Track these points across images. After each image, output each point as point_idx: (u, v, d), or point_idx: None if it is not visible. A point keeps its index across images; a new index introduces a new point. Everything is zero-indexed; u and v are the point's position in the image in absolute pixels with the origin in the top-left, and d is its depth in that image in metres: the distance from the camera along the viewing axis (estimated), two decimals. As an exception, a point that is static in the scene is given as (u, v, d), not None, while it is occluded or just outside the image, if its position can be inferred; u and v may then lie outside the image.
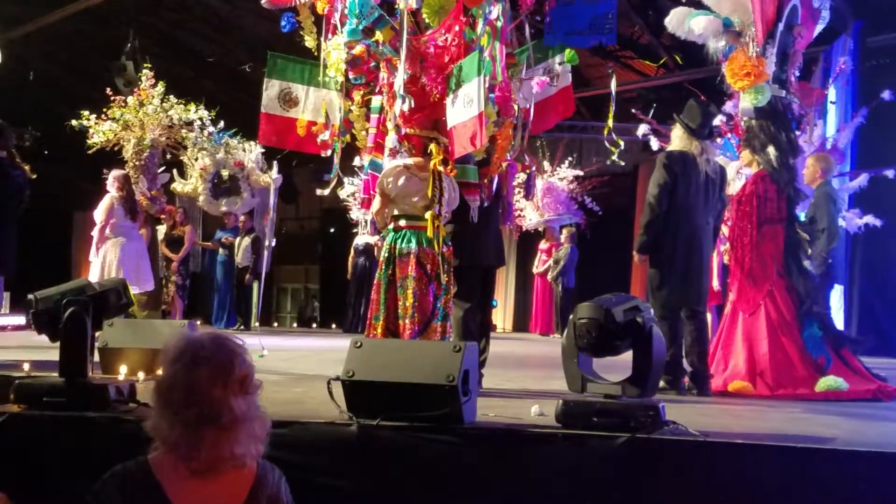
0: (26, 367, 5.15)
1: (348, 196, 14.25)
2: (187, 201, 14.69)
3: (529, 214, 15.55)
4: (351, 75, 5.75)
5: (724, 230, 7.72)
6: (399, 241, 5.45)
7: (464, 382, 3.85)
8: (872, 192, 9.46)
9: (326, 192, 6.45)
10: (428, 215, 5.37)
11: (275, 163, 13.98)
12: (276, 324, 21.12)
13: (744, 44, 6.74)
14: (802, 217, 7.67)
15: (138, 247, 9.64)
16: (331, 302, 20.05)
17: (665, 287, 6.14)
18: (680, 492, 3.58)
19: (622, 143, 6.53)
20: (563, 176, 15.66)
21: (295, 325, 22.15)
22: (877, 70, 11.04)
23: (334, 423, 3.86)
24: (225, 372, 2.36)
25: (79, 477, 3.10)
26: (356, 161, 6.33)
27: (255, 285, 14.26)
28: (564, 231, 15.34)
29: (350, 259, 14.77)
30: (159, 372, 2.44)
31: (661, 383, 5.77)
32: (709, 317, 8.51)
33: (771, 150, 6.62)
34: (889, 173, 9.22)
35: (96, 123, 11.83)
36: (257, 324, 14.82)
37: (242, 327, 13.98)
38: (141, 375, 5.15)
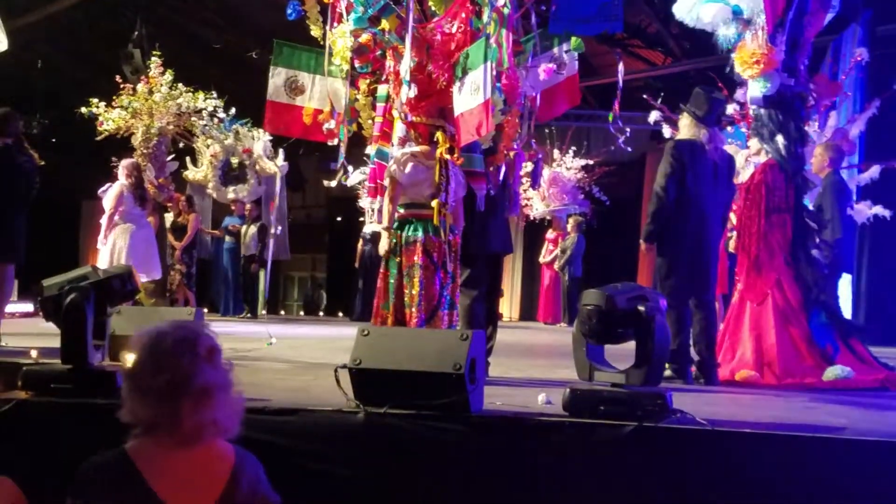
0: (34, 353, 5.17)
1: (358, 184, 14.26)
2: (196, 189, 14.72)
3: (536, 204, 15.51)
4: (357, 64, 5.73)
5: (732, 218, 7.69)
6: (405, 229, 5.45)
7: (471, 371, 3.86)
8: (883, 183, 9.41)
9: (334, 182, 6.44)
10: (434, 204, 5.36)
11: (280, 150, 13.99)
12: (282, 312, 21.16)
13: (753, 32, 6.71)
14: (810, 206, 7.64)
15: (147, 234, 9.65)
16: (338, 290, 20.08)
17: (672, 276, 6.12)
18: (686, 480, 3.58)
19: (628, 130, 6.50)
20: (570, 165, 15.62)
21: (302, 313, 22.19)
22: (886, 60, 10.92)
23: (341, 411, 3.87)
24: (189, 341, 2.38)
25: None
26: (368, 150, 6.32)
27: (262, 273, 14.29)
28: (571, 220, 15.31)
29: (358, 247, 14.77)
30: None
31: (668, 372, 5.76)
32: (717, 306, 8.51)
33: (779, 138, 6.59)
34: None
35: (105, 111, 11.83)
36: (264, 312, 14.86)
37: (249, 315, 14.01)
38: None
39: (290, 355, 7.29)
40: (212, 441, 2.41)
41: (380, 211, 5.67)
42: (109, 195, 9.46)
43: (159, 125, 12.05)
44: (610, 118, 6.46)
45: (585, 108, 15.25)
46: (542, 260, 16.00)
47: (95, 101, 11.83)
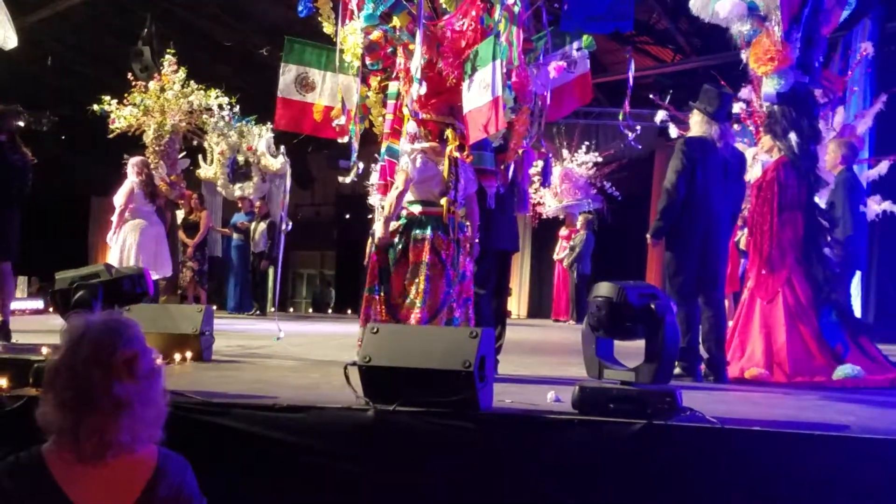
0: (45, 350, 5.18)
1: (370, 183, 14.25)
2: (207, 186, 14.75)
3: (548, 200, 15.52)
4: (368, 61, 5.73)
5: (743, 215, 7.67)
6: (414, 227, 5.44)
7: (480, 368, 3.85)
8: (891, 179, 9.37)
9: (348, 179, 6.44)
10: (443, 201, 5.36)
11: (282, 147, 14.00)
12: (291, 309, 21.19)
13: (768, 28, 6.67)
14: (822, 204, 7.61)
15: (157, 232, 9.68)
16: (347, 288, 20.09)
17: (681, 273, 6.11)
18: (696, 478, 3.57)
19: (638, 128, 6.49)
20: (581, 161, 15.61)
21: (310, 310, 22.22)
22: (894, 56, 10.91)
23: (351, 409, 3.87)
24: (106, 353, 2.24)
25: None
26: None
27: (271, 270, 14.29)
28: (581, 218, 15.31)
29: (367, 244, 14.77)
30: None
31: (678, 370, 5.75)
32: (726, 303, 8.49)
33: (792, 136, 6.56)
34: None
35: (117, 109, 11.85)
36: (273, 309, 14.88)
37: (258, 312, 14.03)
38: (158, 360, 5.16)
39: (299, 352, 7.30)
40: (118, 460, 2.27)
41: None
42: (120, 192, 9.49)
43: (172, 123, 12.06)
44: (621, 117, 6.44)
45: (594, 105, 15.24)
46: (556, 257, 15.98)
47: (107, 98, 11.85)
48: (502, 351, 6.04)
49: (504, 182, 6.01)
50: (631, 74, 6.41)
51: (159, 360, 2.43)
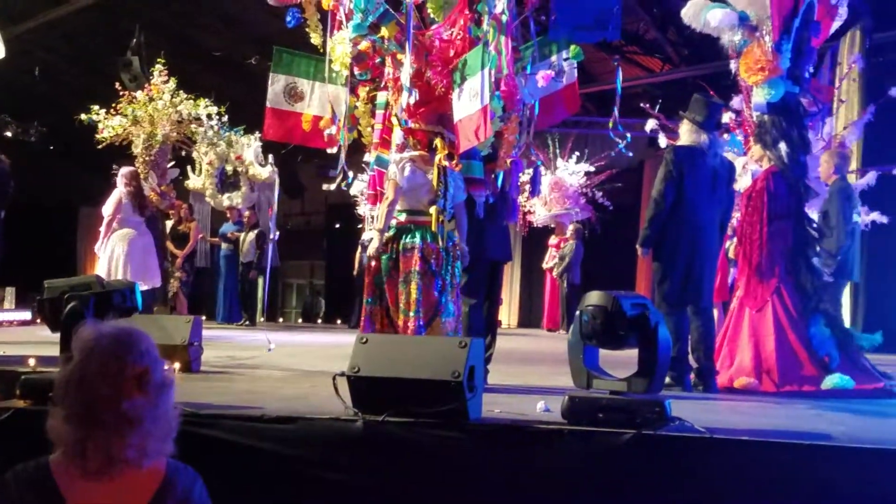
0: (32, 362, 5.17)
1: (359, 193, 14.27)
2: (196, 197, 14.73)
3: (538, 210, 15.54)
4: (356, 71, 5.74)
5: (733, 225, 7.69)
6: (403, 236, 5.45)
7: (469, 378, 3.85)
8: (880, 190, 9.42)
9: (332, 187, 6.45)
10: (433, 210, 5.37)
11: (270, 157, 14.00)
12: (281, 319, 21.16)
13: (759, 38, 6.72)
14: (814, 214, 7.64)
15: (146, 242, 9.66)
16: (336, 298, 20.07)
17: (667, 281, 6.13)
18: (686, 488, 3.57)
19: (629, 136, 6.52)
20: (572, 171, 15.65)
21: (300, 320, 22.18)
22: (882, 66, 11.01)
23: (340, 419, 3.86)
24: (116, 369, 2.20)
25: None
26: (366, 157, 6.32)
27: (261, 280, 14.28)
28: (570, 227, 15.35)
29: (356, 254, 14.77)
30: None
31: (667, 379, 5.75)
32: (715, 313, 8.50)
33: (782, 146, 6.58)
34: None
35: (106, 118, 11.83)
36: (263, 319, 14.85)
37: (248, 323, 14.00)
38: (170, 372, 5.16)
39: (289, 363, 7.29)
40: (125, 474, 2.24)
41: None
42: (108, 202, 9.48)
43: (163, 132, 12.03)
44: (611, 125, 6.47)
45: (584, 114, 15.30)
46: (545, 266, 16.00)
47: (95, 107, 11.83)
48: (492, 361, 6.04)
49: (493, 191, 6.02)
50: (619, 83, 6.44)
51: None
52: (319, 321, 20.59)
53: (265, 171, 14.00)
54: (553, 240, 15.84)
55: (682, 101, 6.77)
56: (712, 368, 6.12)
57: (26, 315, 12.37)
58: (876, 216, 8.94)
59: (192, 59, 15.19)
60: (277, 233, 14.29)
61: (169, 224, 13.38)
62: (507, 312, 17.96)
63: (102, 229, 9.40)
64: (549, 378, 6.39)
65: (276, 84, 6.26)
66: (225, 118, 12.96)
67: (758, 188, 6.58)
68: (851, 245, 7.89)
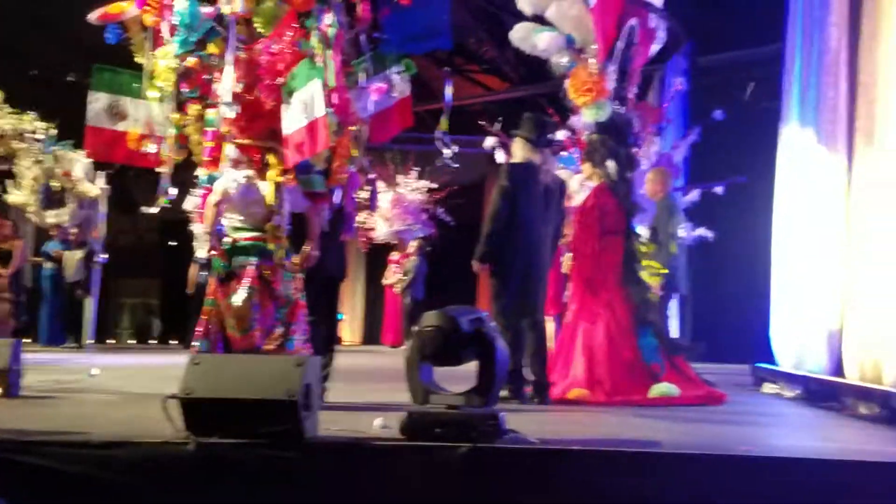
0: None
1: (193, 209, 13.92)
2: (17, 213, 14.04)
3: (380, 226, 15.60)
4: (184, 88, 5.65)
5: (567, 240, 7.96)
6: (238, 253, 5.39)
7: (305, 397, 3.84)
8: (705, 206, 9.91)
9: (153, 210, 6.30)
10: (268, 227, 5.34)
11: (100, 173, 13.54)
12: (112, 340, 20.38)
13: (585, 60, 7.02)
14: (642, 230, 8.01)
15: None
16: (171, 317, 19.52)
17: (503, 296, 6.31)
18: (522, 500, 3.67)
19: (455, 147, 6.66)
20: (414, 187, 15.80)
21: (133, 341, 21.44)
22: (707, 88, 11.66)
23: (170, 443, 3.77)
24: None
25: None
26: (198, 172, 6.20)
27: (88, 300, 13.75)
28: (413, 243, 15.50)
29: (191, 272, 14.43)
30: None
31: (504, 393, 5.92)
32: (551, 325, 8.76)
33: (610, 163, 6.89)
34: (719, 189, 9.65)
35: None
36: (91, 341, 14.26)
37: (75, 345, 13.44)
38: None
39: (118, 386, 7.05)
40: None
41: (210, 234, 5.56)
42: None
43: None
44: (436, 135, 6.59)
45: (425, 131, 15.46)
46: (385, 282, 16.08)
47: None
48: (333, 378, 6.03)
49: (330, 206, 6.03)
50: (448, 95, 6.58)
51: None
52: (153, 341, 19.97)
53: (95, 188, 13.51)
54: (395, 256, 15.95)
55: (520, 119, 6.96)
56: (547, 381, 6.31)
57: None
58: (701, 231, 9.41)
59: (18, 73, 14.51)
60: (107, 256, 13.81)
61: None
62: (350, 329, 17.96)
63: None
64: (389, 395, 6.42)
65: (97, 102, 6.05)
66: (53, 132, 12.44)
67: (588, 204, 6.86)
68: (677, 259, 8.31)
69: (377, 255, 16.95)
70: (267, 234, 5.38)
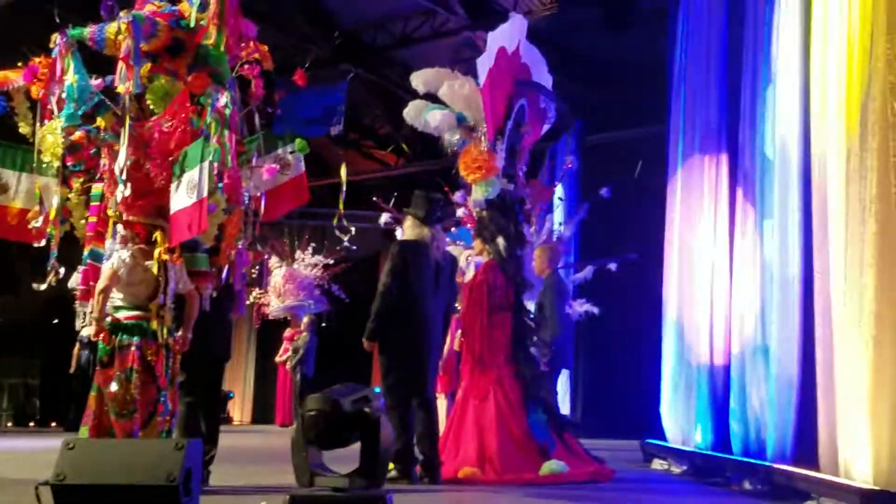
0: None
1: (76, 286, 13.57)
2: None
3: (273, 302, 15.44)
4: (69, 162, 5.58)
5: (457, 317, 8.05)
6: (121, 333, 5.29)
7: (186, 481, 3.78)
8: (596, 282, 10.06)
9: (43, 286, 6.15)
10: (152, 306, 5.27)
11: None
12: (-13, 423, 19.52)
13: (476, 138, 7.21)
14: (531, 306, 8.16)
15: None
16: (52, 398, 18.84)
17: (393, 374, 6.32)
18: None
19: (352, 230, 6.75)
20: (308, 262, 15.74)
21: (10, 423, 20.57)
22: (596, 166, 12.01)
23: (40, 533, 3.65)
24: None
25: None
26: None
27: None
28: (305, 318, 15.39)
29: (74, 352, 14.03)
30: None
31: (394, 472, 5.91)
32: (444, 403, 8.81)
33: (500, 240, 7.06)
34: (612, 266, 9.72)
35: None
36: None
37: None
38: None
39: (-10, 472, 6.76)
40: None
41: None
42: None
43: None
44: (335, 221, 6.66)
45: (321, 206, 15.50)
46: (278, 359, 15.84)
47: None
48: (217, 460, 5.91)
49: (217, 285, 5.98)
50: (343, 176, 6.68)
51: None
52: (33, 424, 19.18)
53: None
54: (288, 332, 15.79)
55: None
56: (437, 460, 6.31)
57: None
58: (588, 307, 9.58)
59: None
60: None
61: None
62: (241, 408, 17.63)
63: None
64: (276, 476, 6.32)
65: None
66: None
67: (478, 280, 6.99)
68: (564, 335, 8.48)
69: (270, 332, 16.74)
70: (150, 313, 5.30)
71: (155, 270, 5.31)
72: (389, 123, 15.13)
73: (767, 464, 5.75)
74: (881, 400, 4.31)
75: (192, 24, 5.48)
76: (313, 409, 4.08)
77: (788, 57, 6.06)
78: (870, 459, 4.29)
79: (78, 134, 5.40)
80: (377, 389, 6.39)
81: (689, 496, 6.01)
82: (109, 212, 5.53)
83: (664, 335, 8.39)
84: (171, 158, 5.24)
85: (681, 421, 7.78)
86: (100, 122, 5.44)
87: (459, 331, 7.43)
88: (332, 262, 15.66)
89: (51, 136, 5.42)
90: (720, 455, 6.75)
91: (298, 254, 15.80)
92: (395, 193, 12.19)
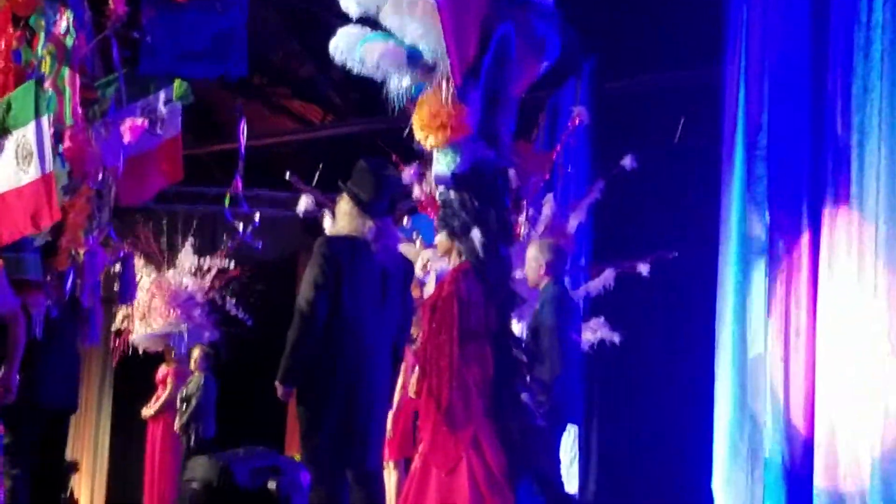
0: None
1: None
2: None
3: (135, 327, 15.17)
4: None
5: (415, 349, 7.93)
6: None
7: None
8: (617, 294, 9.65)
9: None
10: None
11: None
12: None
13: (437, 83, 6.99)
14: (521, 330, 8.07)
15: None
16: None
17: (318, 434, 6.05)
18: None
19: (257, 218, 6.67)
20: (188, 266, 15.55)
21: None
22: (617, 124, 11.52)
23: None
24: None
25: None
26: None
27: None
28: (196, 352, 15.03)
29: None
30: None
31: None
32: (394, 476, 8.76)
33: (476, 234, 6.87)
34: (643, 268, 9.41)
35: None
36: None
37: None
38: None
39: None
40: None
41: None
42: None
43: None
44: (227, 201, 6.58)
45: (211, 185, 15.31)
46: (146, 412, 15.53)
47: None
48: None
49: (58, 299, 5.94)
50: (242, 137, 6.59)
51: None
52: None
53: None
54: (162, 371, 15.48)
55: (351, 167, 6.74)
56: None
57: None
58: (605, 332, 9.16)
59: None
60: None
61: None
62: (92, 486, 17.46)
63: None
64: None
65: None
66: None
67: (445, 294, 6.81)
68: (570, 374, 8.11)
69: (133, 372, 16.49)
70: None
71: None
72: (312, 62, 15.02)
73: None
74: None
75: None
76: (195, 479, 4.05)
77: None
78: None
79: None
80: (297, 457, 6.30)
81: None
82: None
83: (717, 374, 8.37)
84: (-18, 110, 5.19)
85: (741, 502, 7.79)
86: None
87: (416, 369, 7.33)
88: (226, 265, 15.51)
89: None
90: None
91: (171, 254, 15.61)
92: (321, 165, 12.13)
